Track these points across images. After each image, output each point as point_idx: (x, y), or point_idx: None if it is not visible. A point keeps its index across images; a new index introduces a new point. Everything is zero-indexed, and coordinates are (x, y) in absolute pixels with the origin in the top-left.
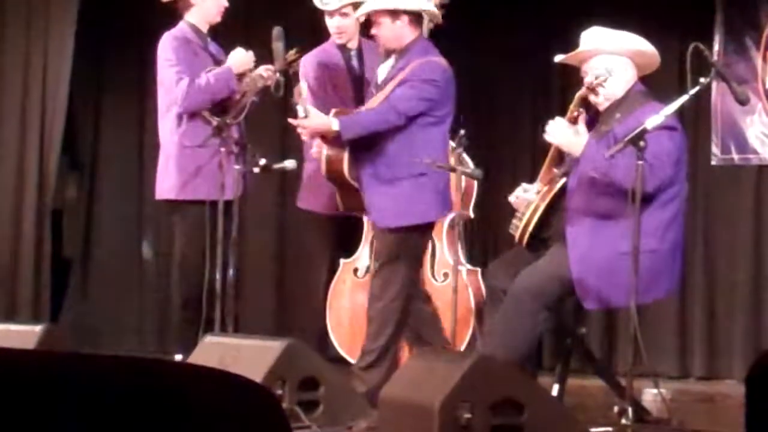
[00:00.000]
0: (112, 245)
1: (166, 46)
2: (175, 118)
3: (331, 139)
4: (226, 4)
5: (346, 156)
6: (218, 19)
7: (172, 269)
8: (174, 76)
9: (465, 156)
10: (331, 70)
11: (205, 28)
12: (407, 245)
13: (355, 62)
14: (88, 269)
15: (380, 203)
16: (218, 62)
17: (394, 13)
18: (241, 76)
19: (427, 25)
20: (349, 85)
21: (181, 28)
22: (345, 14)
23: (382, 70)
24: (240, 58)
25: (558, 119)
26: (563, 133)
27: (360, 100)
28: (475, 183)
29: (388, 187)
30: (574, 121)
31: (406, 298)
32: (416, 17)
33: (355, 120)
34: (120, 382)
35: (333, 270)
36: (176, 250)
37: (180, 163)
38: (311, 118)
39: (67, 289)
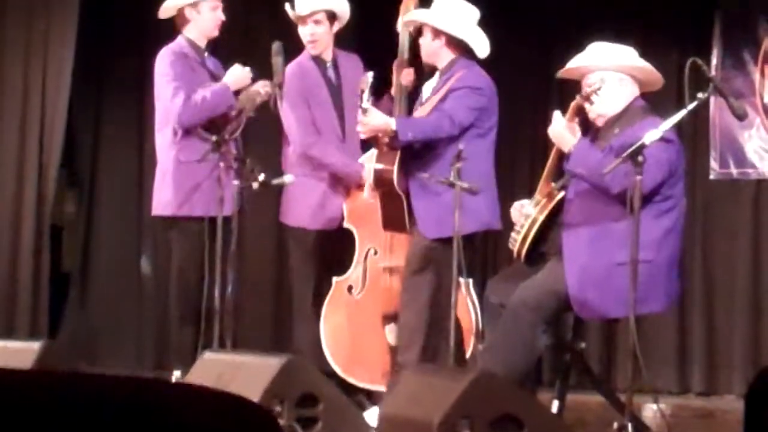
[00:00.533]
0: (110, 260)
1: (163, 61)
2: (171, 134)
3: (385, 142)
4: (223, 18)
5: (396, 166)
6: (215, 33)
7: (170, 285)
8: (170, 92)
9: None
10: (308, 84)
11: (203, 43)
12: (440, 254)
13: (331, 74)
14: (86, 284)
15: (426, 213)
16: (216, 77)
17: (437, 31)
18: (238, 92)
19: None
20: (328, 97)
21: (178, 42)
22: (318, 21)
23: (427, 88)
24: (237, 74)
25: (558, 112)
26: (558, 126)
27: (340, 112)
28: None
29: (434, 197)
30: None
31: (435, 306)
32: (457, 41)
33: (412, 122)
34: (117, 402)
35: (321, 285)
36: (173, 266)
37: (176, 179)
38: (371, 116)
39: (65, 304)
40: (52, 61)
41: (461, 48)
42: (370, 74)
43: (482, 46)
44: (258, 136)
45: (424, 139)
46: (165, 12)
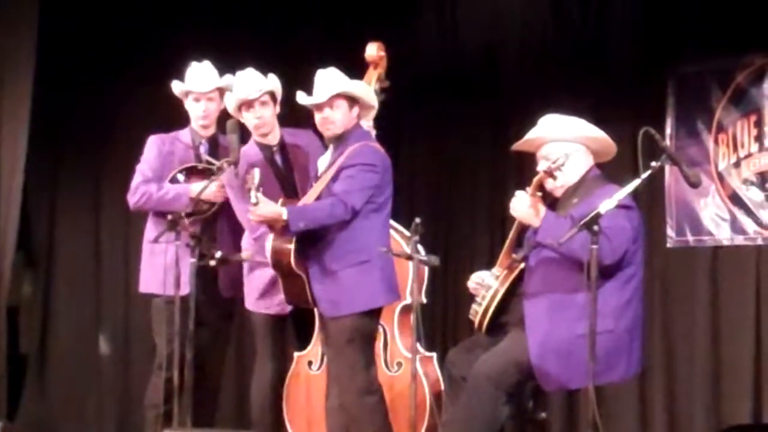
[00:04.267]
0: (68, 341)
1: (146, 147)
2: (148, 215)
3: (278, 228)
4: (203, 108)
5: (292, 247)
6: (201, 122)
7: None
8: (135, 174)
9: (418, 245)
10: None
11: (201, 131)
12: (359, 331)
13: (278, 158)
14: (45, 365)
15: (327, 294)
16: (203, 162)
17: (354, 101)
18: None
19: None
20: (275, 184)
21: (179, 130)
22: (264, 103)
23: (322, 162)
24: (200, 187)
25: (521, 192)
26: (524, 205)
27: (293, 195)
28: (426, 268)
29: (333, 277)
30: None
31: (374, 382)
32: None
33: (303, 211)
34: None
35: (284, 362)
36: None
37: (145, 258)
38: (261, 206)
39: (23, 386)
40: (6, 141)
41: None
42: (257, 170)
43: (375, 100)
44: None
45: (316, 226)
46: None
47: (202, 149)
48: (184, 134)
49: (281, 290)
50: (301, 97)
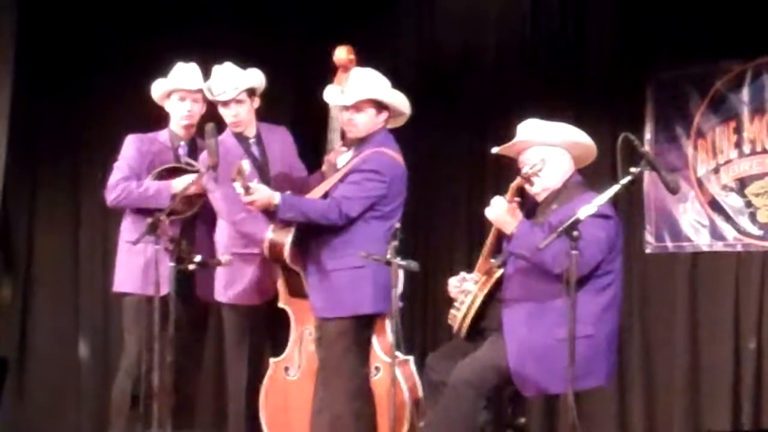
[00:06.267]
0: (48, 344)
1: (123, 145)
2: (124, 214)
3: (277, 219)
4: (189, 108)
5: (288, 241)
6: (185, 122)
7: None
8: (113, 171)
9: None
10: (231, 163)
11: (180, 132)
12: (349, 335)
13: (255, 150)
14: (24, 369)
15: (320, 294)
16: (182, 163)
17: (382, 106)
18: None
19: None
20: (254, 173)
21: (158, 131)
22: (240, 101)
23: (342, 160)
24: (181, 183)
25: (497, 198)
26: (500, 210)
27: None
28: (401, 272)
29: (327, 277)
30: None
31: (363, 388)
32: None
33: (296, 203)
34: None
35: (259, 363)
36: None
37: (119, 257)
38: (256, 192)
39: (2, 392)
40: None
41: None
42: (245, 162)
43: (408, 107)
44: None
45: (304, 221)
46: (158, 101)
47: (181, 151)
48: (162, 135)
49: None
50: (330, 98)
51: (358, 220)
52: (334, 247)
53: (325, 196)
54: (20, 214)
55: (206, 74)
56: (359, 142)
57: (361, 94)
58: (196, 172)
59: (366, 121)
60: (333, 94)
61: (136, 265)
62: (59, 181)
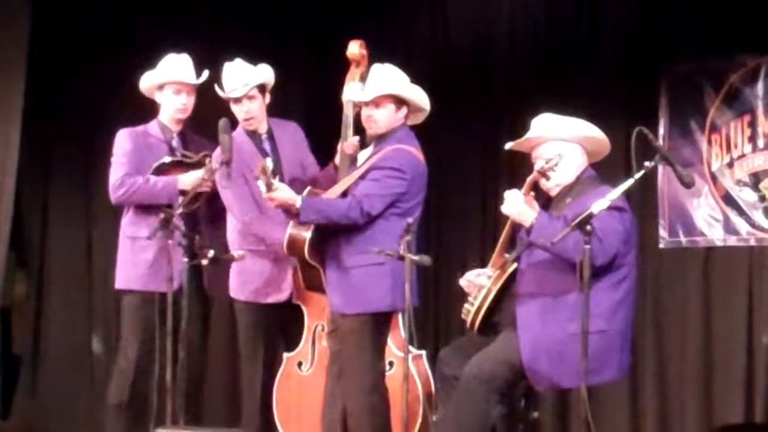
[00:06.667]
0: (62, 341)
1: (116, 141)
2: (125, 210)
3: (292, 215)
4: (184, 101)
5: (308, 236)
6: (179, 116)
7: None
8: (112, 168)
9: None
10: (243, 160)
11: (172, 125)
12: (366, 331)
13: (267, 146)
14: (38, 365)
15: (338, 290)
16: (178, 155)
17: (402, 102)
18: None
19: None
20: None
21: (147, 124)
22: (252, 98)
23: (362, 157)
24: (189, 179)
25: (514, 191)
26: (517, 203)
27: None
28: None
29: (346, 274)
30: None
31: (380, 383)
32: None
33: (318, 205)
34: None
35: (272, 359)
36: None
37: (123, 254)
38: (279, 191)
39: (16, 387)
40: None
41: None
42: (269, 160)
43: (427, 103)
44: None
45: (327, 223)
46: (145, 93)
47: (175, 143)
48: (152, 128)
49: (266, 278)
50: (350, 94)
51: (379, 217)
52: (354, 244)
53: (345, 193)
54: (33, 212)
55: (219, 70)
56: (379, 139)
57: (379, 89)
58: (197, 164)
59: (386, 117)
60: (353, 91)
61: (142, 261)
62: (72, 179)
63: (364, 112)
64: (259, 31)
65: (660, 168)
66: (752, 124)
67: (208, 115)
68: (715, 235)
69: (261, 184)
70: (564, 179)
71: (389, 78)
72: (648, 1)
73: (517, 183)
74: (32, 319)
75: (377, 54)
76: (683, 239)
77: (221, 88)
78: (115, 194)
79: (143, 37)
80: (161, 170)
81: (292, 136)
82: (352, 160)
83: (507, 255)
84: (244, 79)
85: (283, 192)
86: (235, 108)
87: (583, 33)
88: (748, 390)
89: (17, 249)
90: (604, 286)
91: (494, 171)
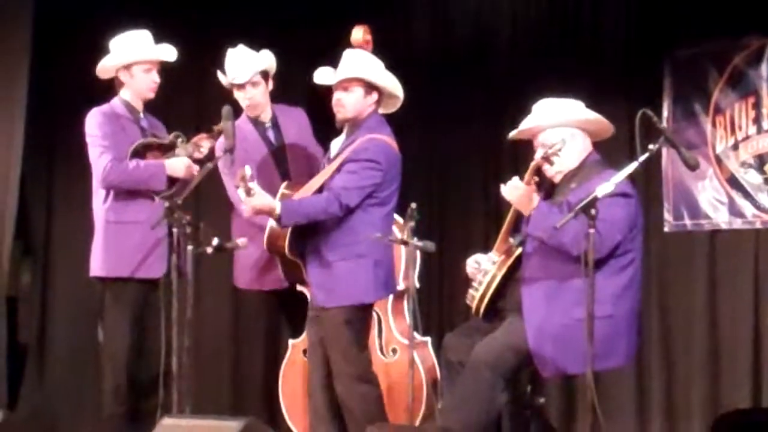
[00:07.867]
0: (67, 330)
1: (90, 122)
2: (103, 194)
3: (277, 221)
4: (157, 80)
5: (287, 232)
6: (150, 95)
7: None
8: (97, 152)
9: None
10: (247, 148)
11: (138, 104)
12: (350, 322)
13: (271, 134)
14: (44, 354)
15: (320, 283)
16: (148, 136)
17: (372, 88)
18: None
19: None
20: (269, 159)
21: (111, 103)
22: (255, 83)
23: (335, 145)
24: (178, 165)
25: (515, 179)
26: (517, 190)
27: (284, 171)
28: (418, 253)
29: (328, 267)
30: None
31: (368, 370)
32: (382, 97)
33: (297, 207)
34: None
35: (278, 346)
36: (104, 333)
37: (106, 241)
38: (255, 197)
39: (23, 376)
40: (2, 130)
41: (380, 103)
42: (248, 168)
43: (400, 90)
44: (209, 200)
45: (308, 222)
46: (102, 73)
47: (144, 124)
48: (118, 108)
49: (274, 265)
50: (319, 77)
51: (357, 208)
52: (334, 237)
53: (321, 188)
54: (39, 199)
55: (221, 58)
56: (351, 127)
57: (347, 72)
58: (169, 146)
59: (354, 102)
60: (323, 74)
61: (129, 248)
62: (76, 167)
63: (334, 97)
64: (263, 16)
65: (664, 151)
66: (757, 106)
67: (210, 103)
68: (720, 218)
69: (241, 192)
70: (567, 165)
71: (359, 62)
72: None
73: (520, 167)
74: (38, 308)
75: (379, 43)
76: (688, 222)
77: (224, 73)
78: (106, 180)
79: (145, 25)
80: (137, 154)
81: (297, 122)
82: None
83: (512, 240)
84: (248, 65)
85: (262, 198)
86: (238, 94)
87: (586, 15)
88: (755, 373)
89: (23, 238)
90: (609, 272)
91: (496, 156)
